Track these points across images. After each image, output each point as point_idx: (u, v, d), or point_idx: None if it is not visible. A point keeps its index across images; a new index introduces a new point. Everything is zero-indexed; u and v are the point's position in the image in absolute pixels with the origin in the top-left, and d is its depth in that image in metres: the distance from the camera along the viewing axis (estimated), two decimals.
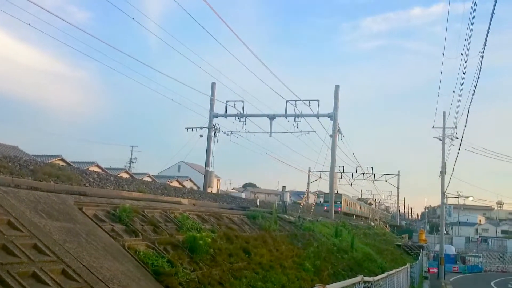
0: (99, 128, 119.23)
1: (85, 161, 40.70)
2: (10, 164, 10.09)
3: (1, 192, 6.94)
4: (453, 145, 32.56)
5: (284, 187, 56.92)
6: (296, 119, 32.53)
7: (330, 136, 34.76)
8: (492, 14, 9.52)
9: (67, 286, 5.84)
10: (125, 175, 32.63)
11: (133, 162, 65.23)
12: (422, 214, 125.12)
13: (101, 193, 10.04)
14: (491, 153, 36.34)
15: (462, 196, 51.01)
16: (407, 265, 18.38)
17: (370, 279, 8.13)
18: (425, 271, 31.98)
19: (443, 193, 35.08)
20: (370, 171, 58.05)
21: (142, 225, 9.40)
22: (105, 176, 14.60)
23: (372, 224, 60.19)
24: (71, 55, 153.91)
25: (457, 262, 46.28)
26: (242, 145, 57.42)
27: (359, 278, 6.88)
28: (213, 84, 34.31)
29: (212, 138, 34.38)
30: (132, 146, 66.29)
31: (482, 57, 11.33)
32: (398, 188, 77.81)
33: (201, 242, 9.51)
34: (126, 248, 8.01)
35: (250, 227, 15.41)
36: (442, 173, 34.60)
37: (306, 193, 44.16)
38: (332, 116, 34.38)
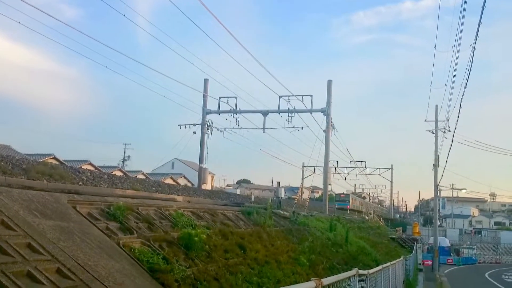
0: (91, 126, 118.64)
1: (78, 159, 40.48)
2: (2, 163, 10.04)
3: None
4: (446, 138, 32.75)
5: (278, 182, 56.88)
6: (290, 114, 32.52)
7: (324, 131, 34.87)
8: (483, 7, 9.55)
9: (62, 285, 5.83)
10: (118, 173, 32.48)
11: (126, 160, 64.86)
12: (416, 207, 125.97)
13: (95, 191, 10.00)
14: (483, 145, 36.40)
15: (455, 189, 51.57)
16: (402, 257, 18.47)
17: (365, 272, 8.16)
18: (420, 264, 32.23)
19: (436, 186, 35.29)
20: (364, 165, 58.62)
21: (137, 223, 9.38)
22: (99, 174, 14.57)
23: (366, 218, 60.56)
24: (62, 53, 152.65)
25: (451, 254, 46.61)
26: (236, 142, 57.57)
27: (354, 271, 6.89)
28: (206, 80, 34.21)
29: (206, 134, 34.30)
30: (125, 144, 65.89)
31: (473, 49, 11.36)
32: (391, 181, 78.77)
33: (196, 238, 9.52)
34: (121, 246, 7.99)
35: (245, 223, 15.44)
36: (435, 166, 34.80)
37: (300, 188, 44.29)
38: (325, 111, 34.41)
